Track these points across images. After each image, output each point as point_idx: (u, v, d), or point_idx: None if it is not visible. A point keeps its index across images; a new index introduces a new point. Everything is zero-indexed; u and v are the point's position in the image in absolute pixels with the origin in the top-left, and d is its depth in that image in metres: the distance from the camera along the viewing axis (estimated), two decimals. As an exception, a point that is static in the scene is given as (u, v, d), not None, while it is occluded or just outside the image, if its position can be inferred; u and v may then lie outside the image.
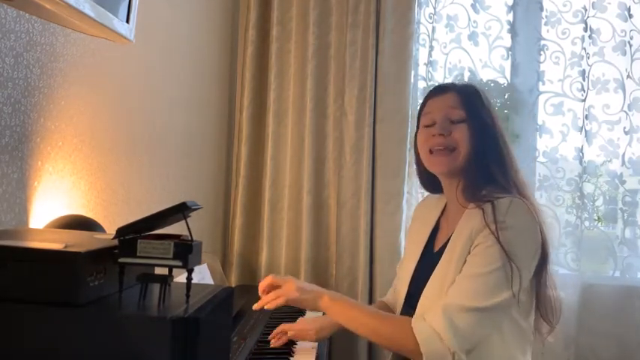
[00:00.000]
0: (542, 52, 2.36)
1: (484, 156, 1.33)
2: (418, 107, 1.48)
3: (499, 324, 1.25)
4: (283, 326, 1.55)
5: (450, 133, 1.34)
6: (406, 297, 1.43)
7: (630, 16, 2.31)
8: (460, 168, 1.34)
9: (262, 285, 1.40)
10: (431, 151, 1.36)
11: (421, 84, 2.41)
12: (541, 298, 1.31)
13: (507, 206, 1.24)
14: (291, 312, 1.93)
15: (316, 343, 1.58)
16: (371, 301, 2.31)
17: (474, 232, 1.27)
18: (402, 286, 1.47)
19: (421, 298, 1.33)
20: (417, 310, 1.33)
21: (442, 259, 1.33)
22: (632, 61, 2.30)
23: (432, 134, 1.36)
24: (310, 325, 1.53)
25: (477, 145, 1.33)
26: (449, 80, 2.38)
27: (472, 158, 1.33)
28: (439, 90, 1.43)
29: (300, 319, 1.62)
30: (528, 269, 1.26)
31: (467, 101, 1.36)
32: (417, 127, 1.45)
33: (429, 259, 1.40)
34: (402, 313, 1.44)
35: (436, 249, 1.42)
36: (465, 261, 1.27)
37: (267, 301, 1.36)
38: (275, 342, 1.53)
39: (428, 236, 1.46)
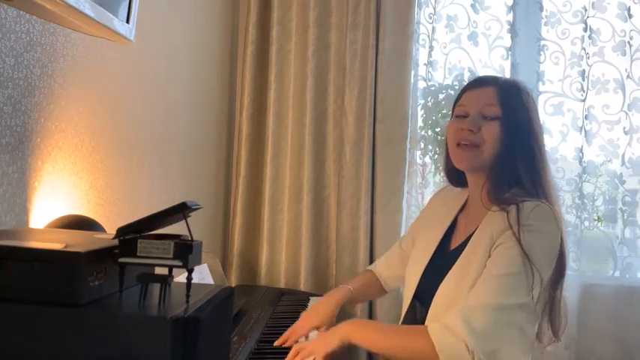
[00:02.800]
0: (542, 52, 2.36)
1: (513, 157, 1.30)
2: (455, 99, 1.43)
3: (517, 326, 1.21)
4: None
5: (480, 129, 1.31)
6: (416, 292, 1.41)
7: (630, 16, 2.31)
8: (485, 166, 1.32)
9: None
10: (458, 144, 1.33)
11: (421, 84, 2.41)
12: (554, 309, 1.29)
13: (532, 209, 1.22)
14: (291, 312, 1.94)
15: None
16: (371, 301, 2.31)
17: (495, 233, 1.24)
18: (410, 282, 1.44)
19: (435, 296, 1.31)
20: (430, 309, 1.32)
21: (460, 259, 1.30)
22: (631, 61, 2.30)
23: (462, 127, 1.32)
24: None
25: (506, 145, 1.30)
26: (448, 80, 2.39)
27: (499, 158, 1.30)
28: (479, 83, 1.39)
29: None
30: (546, 275, 1.23)
31: (504, 98, 1.32)
32: (451, 116, 1.41)
33: (444, 257, 1.37)
34: (409, 308, 1.43)
35: (452, 247, 1.39)
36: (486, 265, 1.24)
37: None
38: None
39: (444, 233, 1.43)
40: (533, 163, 1.31)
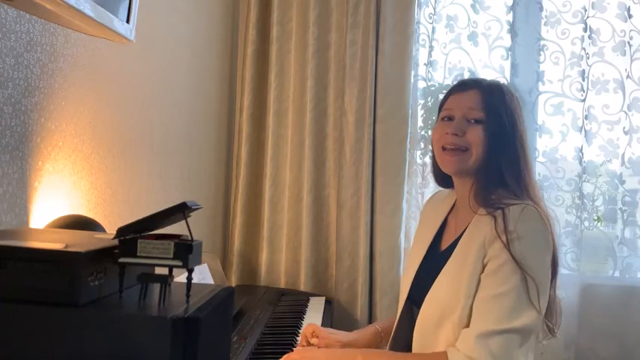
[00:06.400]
0: (541, 53, 2.36)
1: (497, 159, 1.31)
2: (440, 102, 1.43)
3: (531, 338, 1.23)
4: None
5: (465, 133, 1.32)
6: (409, 294, 1.42)
7: (630, 16, 2.31)
8: (472, 169, 1.32)
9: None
10: (444, 148, 1.34)
11: (421, 84, 2.41)
12: (549, 309, 1.29)
13: (518, 214, 1.22)
14: (291, 312, 1.94)
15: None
16: (371, 301, 2.31)
17: (486, 241, 1.24)
18: (404, 284, 1.45)
19: (427, 297, 1.31)
20: (422, 309, 1.32)
21: (450, 259, 1.31)
22: (631, 61, 2.30)
23: (447, 132, 1.33)
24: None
25: (491, 148, 1.30)
26: (448, 81, 2.39)
27: (485, 160, 1.31)
28: (462, 86, 1.40)
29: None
30: (546, 277, 1.23)
31: (487, 102, 1.33)
32: (437, 119, 1.42)
33: (434, 259, 1.38)
34: (403, 310, 1.43)
35: (442, 248, 1.39)
36: (480, 280, 1.24)
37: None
38: None
39: (434, 234, 1.44)
40: (518, 165, 1.32)
